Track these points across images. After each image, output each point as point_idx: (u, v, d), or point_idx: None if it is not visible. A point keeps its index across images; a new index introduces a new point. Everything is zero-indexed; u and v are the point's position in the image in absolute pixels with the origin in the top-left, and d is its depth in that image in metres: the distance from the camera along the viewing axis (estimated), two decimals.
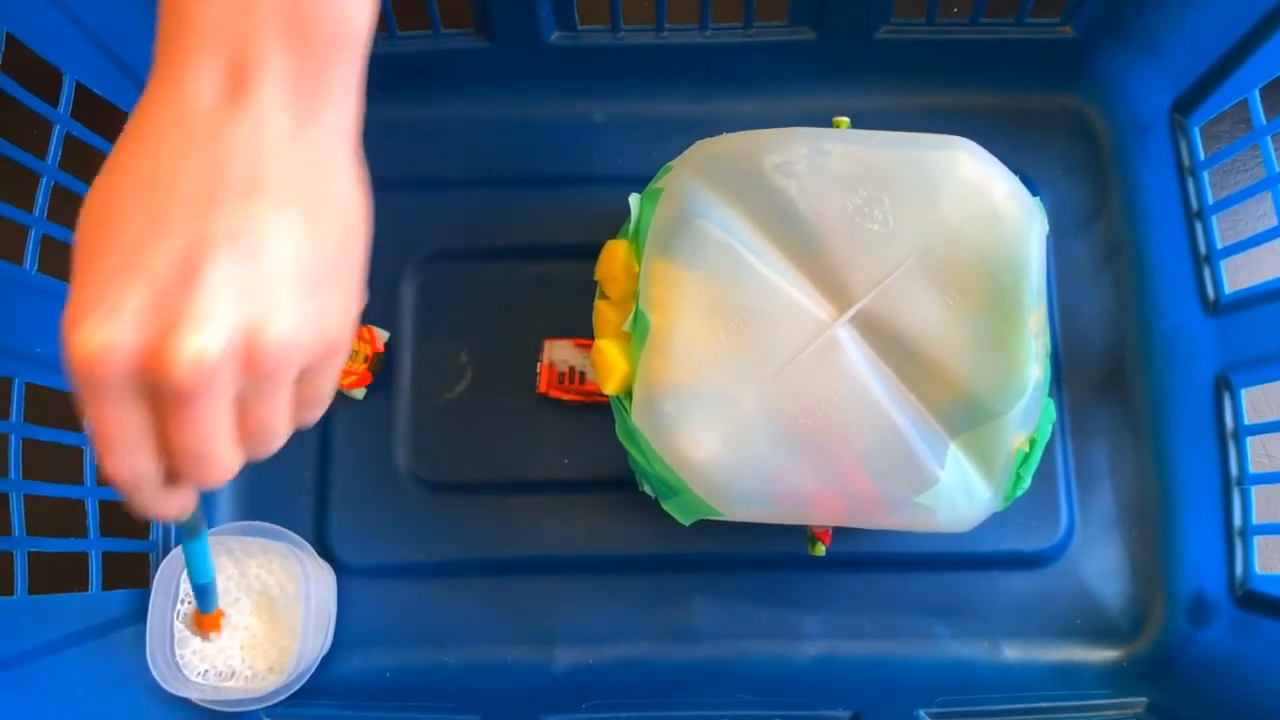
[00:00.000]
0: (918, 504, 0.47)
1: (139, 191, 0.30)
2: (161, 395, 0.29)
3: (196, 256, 0.29)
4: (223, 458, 0.31)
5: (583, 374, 0.60)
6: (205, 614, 0.51)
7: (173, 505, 0.33)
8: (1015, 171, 0.50)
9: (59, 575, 0.51)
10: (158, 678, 0.52)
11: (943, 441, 0.47)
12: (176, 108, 0.31)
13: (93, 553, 0.51)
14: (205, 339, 0.28)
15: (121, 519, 0.54)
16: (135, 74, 0.57)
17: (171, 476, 0.32)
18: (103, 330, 0.28)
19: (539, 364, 0.60)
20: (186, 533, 0.42)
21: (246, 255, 0.29)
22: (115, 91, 0.54)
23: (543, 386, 0.60)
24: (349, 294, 0.33)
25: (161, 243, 0.29)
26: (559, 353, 0.60)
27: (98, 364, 0.28)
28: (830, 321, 0.47)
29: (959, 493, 0.47)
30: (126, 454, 0.31)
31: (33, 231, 0.49)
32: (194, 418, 0.30)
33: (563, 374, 0.60)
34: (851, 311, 0.47)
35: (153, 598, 0.53)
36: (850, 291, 0.47)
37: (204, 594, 0.49)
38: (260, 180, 0.30)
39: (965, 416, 0.47)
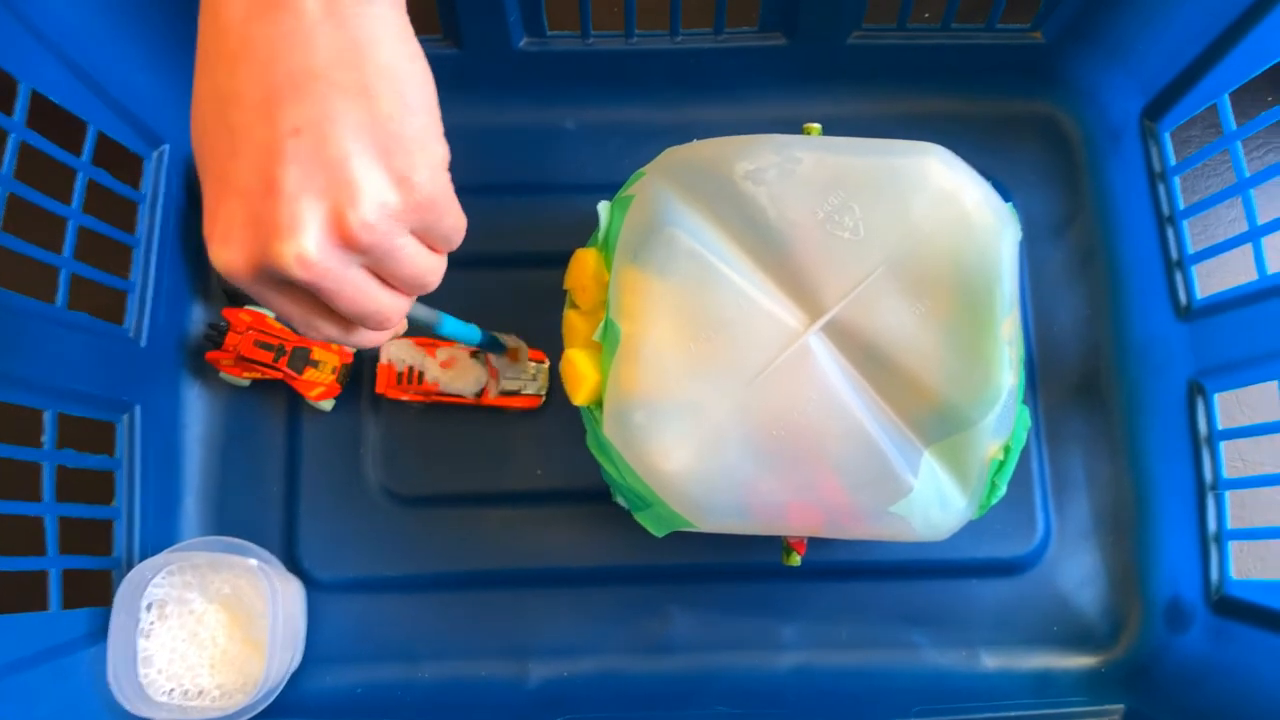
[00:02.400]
0: (892, 514, 0.46)
1: (214, 111, 0.33)
2: (297, 284, 0.33)
3: (270, 165, 0.31)
4: (384, 310, 0.35)
5: (421, 373, 0.59)
6: (505, 351, 0.57)
7: (371, 339, 0.38)
8: (987, 178, 0.49)
9: (17, 594, 0.50)
10: (120, 699, 0.51)
11: (916, 450, 0.47)
12: (220, 25, 0.32)
13: (52, 571, 0.50)
14: (300, 242, 0.31)
15: (82, 536, 0.53)
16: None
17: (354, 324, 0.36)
18: (224, 251, 0.32)
19: (378, 364, 0.59)
20: (432, 330, 0.45)
21: (311, 149, 0.31)
22: (74, 101, 0.53)
23: (380, 387, 0.59)
24: (424, 149, 0.33)
25: (241, 159, 0.32)
26: (397, 351, 0.59)
27: (231, 277, 0.33)
28: (802, 330, 0.46)
29: (933, 502, 0.47)
30: (305, 326, 0.36)
31: None
32: (334, 297, 0.33)
33: (401, 373, 0.59)
34: (823, 320, 0.46)
35: (114, 616, 0.52)
36: (822, 300, 0.47)
37: (491, 345, 0.54)
38: (304, 71, 0.31)
39: (939, 425, 0.47)
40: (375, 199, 0.32)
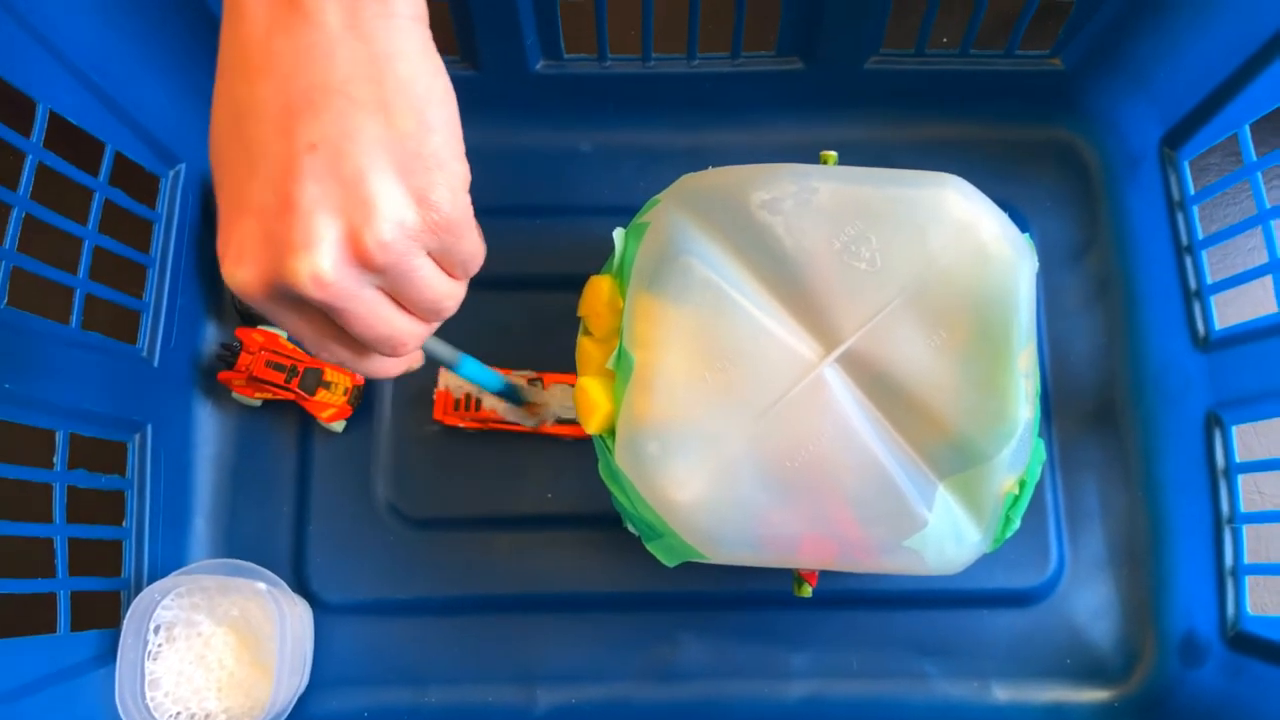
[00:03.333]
0: (906, 548, 0.46)
1: (231, 125, 0.32)
2: (313, 304, 0.32)
3: (286, 183, 0.31)
4: (398, 334, 0.35)
5: (479, 400, 0.58)
6: (524, 404, 0.57)
7: (383, 368, 0.37)
8: (1004, 204, 0.49)
9: (24, 617, 0.50)
10: None
11: (931, 484, 0.46)
12: (241, 37, 0.32)
13: (61, 593, 0.50)
14: (315, 261, 0.31)
15: (94, 557, 0.53)
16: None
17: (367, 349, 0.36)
18: (238, 270, 0.32)
19: (435, 390, 0.59)
20: (451, 366, 0.45)
21: (329, 167, 0.31)
22: (91, 121, 0.53)
23: (437, 413, 0.59)
24: (443, 168, 0.33)
25: (257, 176, 0.31)
26: (454, 378, 0.58)
27: (245, 296, 0.32)
28: (817, 361, 0.46)
29: (948, 536, 0.46)
30: (317, 347, 0.35)
31: (2, 265, 0.48)
32: (348, 318, 0.33)
33: (458, 400, 0.59)
34: (839, 351, 0.46)
35: (123, 638, 0.52)
36: (837, 330, 0.46)
37: (510, 395, 0.54)
38: (322, 86, 0.31)
39: (954, 458, 0.46)
40: (393, 218, 0.31)
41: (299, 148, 0.31)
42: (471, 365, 0.47)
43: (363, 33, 0.31)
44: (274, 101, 0.31)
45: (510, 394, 0.54)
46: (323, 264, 0.31)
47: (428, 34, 0.33)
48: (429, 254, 0.34)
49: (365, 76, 0.31)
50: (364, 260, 0.31)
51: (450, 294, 0.35)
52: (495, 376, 0.50)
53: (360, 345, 0.36)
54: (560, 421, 0.59)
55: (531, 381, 0.59)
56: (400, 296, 0.34)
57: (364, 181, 0.31)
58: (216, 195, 0.33)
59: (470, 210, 0.34)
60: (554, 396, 0.58)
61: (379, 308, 0.34)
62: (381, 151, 0.31)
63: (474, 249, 0.35)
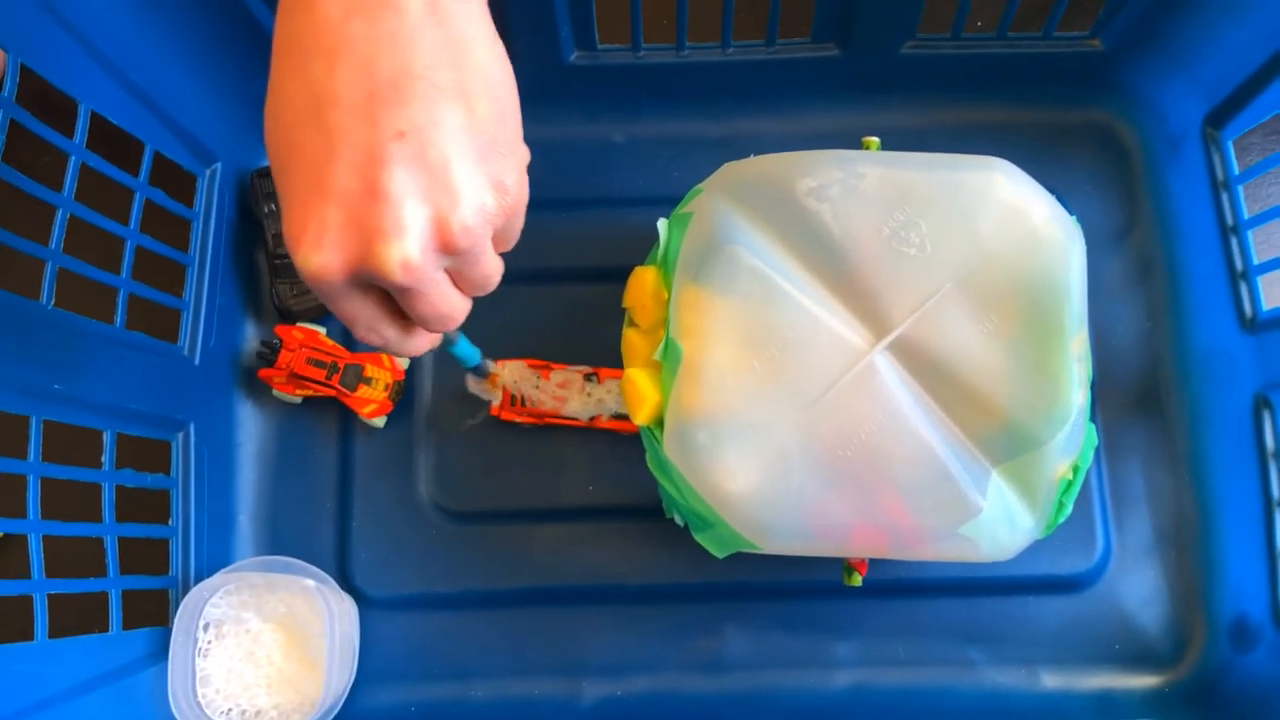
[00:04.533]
0: (960, 536, 0.46)
1: (307, 111, 0.32)
2: (387, 287, 0.33)
3: (373, 169, 0.31)
4: (455, 311, 0.36)
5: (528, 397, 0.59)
6: (482, 379, 0.58)
7: (421, 346, 0.38)
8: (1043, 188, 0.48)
9: (78, 615, 0.50)
10: (180, 718, 0.51)
11: (984, 471, 0.46)
12: (314, 22, 0.32)
13: (113, 592, 0.50)
14: (406, 247, 0.31)
15: (141, 556, 0.53)
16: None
17: (414, 328, 0.37)
18: (317, 255, 0.32)
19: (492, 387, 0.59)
20: (446, 344, 0.47)
21: (416, 153, 0.31)
22: (131, 121, 0.53)
23: (494, 409, 0.59)
24: (514, 153, 0.34)
25: (340, 161, 0.31)
26: (509, 374, 0.59)
27: (321, 281, 0.33)
28: (867, 349, 0.46)
29: (1001, 523, 0.46)
30: (367, 329, 0.36)
31: (49, 266, 0.48)
32: (418, 299, 0.34)
33: (515, 396, 0.59)
34: (890, 338, 0.46)
35: (174, 636, 0.52)
36: (887, 317, 0.46)
37: (478, 371, 0.56)
38: (404, 72, 0.31)
39: (1007, 445, 0.46)
40: (475, 203, 0.32)
41: (386, 134, 0.31)
42: (464, 342, 0.50)
43: (443, 18, 0.32)
44: (357, 87, 0.31)
45: (478, 371, 0.56)
46: (412, 250, 0.31)
47: (491, 20, 0.34)
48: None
49: (446, 63, 0.32)
50: (448, 245, 0.32)
51: (499, 268, 0.37)
52: (476, 352, 0.52)
53: (409, 325, 0.37)
54: (615, 417, 0.58)
55: (588, 377, 0.59)
56: (461, 276, 0.35)
57: (449, 169, 0.31)
58: (280, 179, 0.33)
59: (528, 191, 0.36)
60: (609, 392, 0.58)
61: (445, 287, 0.35)
62: (464, 139, 0.32)
63: (521, 226, 0.37)
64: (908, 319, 0.46)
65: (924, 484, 0.45)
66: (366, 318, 0.35)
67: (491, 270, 0.36)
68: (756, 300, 0.46)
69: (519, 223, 0.36)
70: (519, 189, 0.34)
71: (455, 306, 0.36)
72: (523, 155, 0.35)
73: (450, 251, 0.33)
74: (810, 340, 0.46)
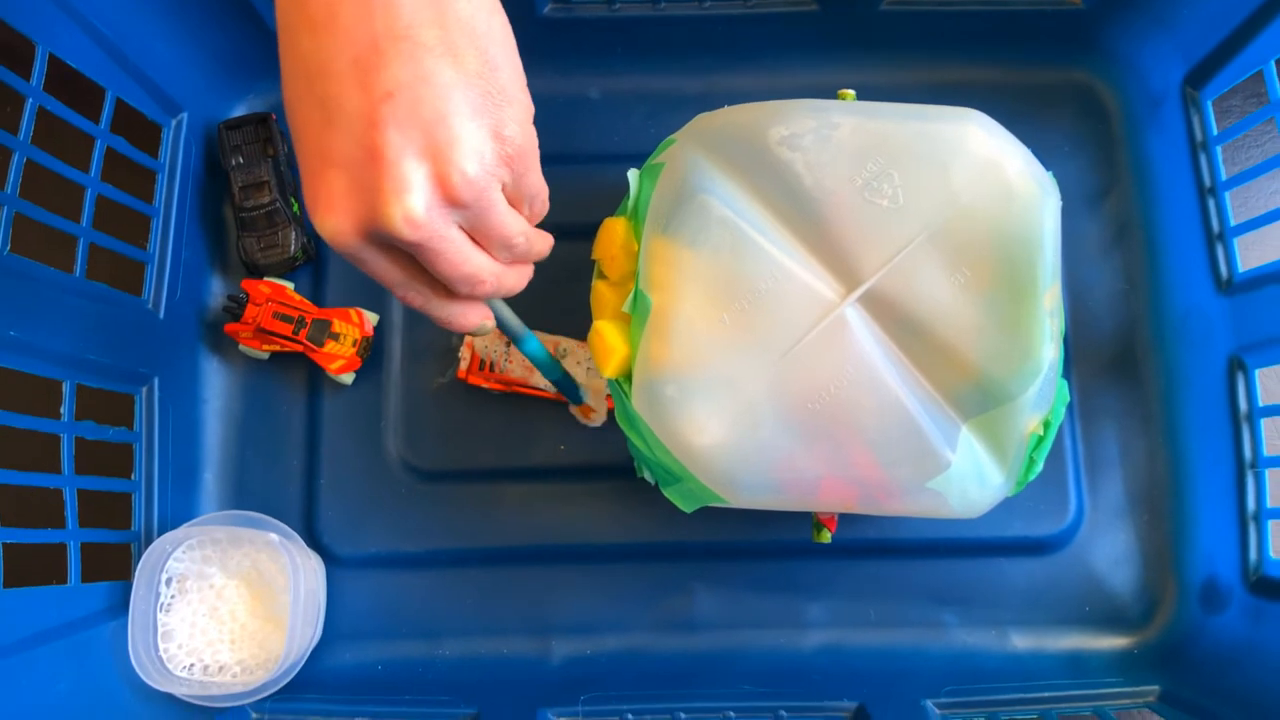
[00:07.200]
0: (929, 490, 0.45)
1: (303, 84, 0.33)
2: (402, 247, 0.34)
3: (369, 133, 0.32)
4: (479, 270, 0.36)
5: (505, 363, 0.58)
6: (579, 405, 0.57)
7: (470, 318, 0.39)
8: None
9: (35, 567, 0.49)
10: (140, 673, 0.50)
11: (954, 425, 0.45)
12: None
13: (71, 544, 0.49)
14: (407, 203, 0.32)
15: (104, 510, 0.52)
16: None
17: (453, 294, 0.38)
18: (330, 220, 0.33)
19: (461, 348, 0.58)
20: (514, 340, 0.46)
21: (407, 112, 0.32)
22: (92, 67, 0.52)
23: (462, 371, 0.58)
24: (512, 102, 0.34)
25: (338, 129, 0.33)
26: (481, 340, 0.58)
27: (338, 244, 0.34)
28: (838, 301, 0.45)
29: (971, 478, 0.46)
30: (403, 291, 0.37)
31: (4, 210, 0.46)
32: (435, 257, 0.35)
33: (485, 361, 0.58)
34: (860, 290, 0.45)
35: (134, 590, 0.51)
36: (859, 269, 0.45)
37: (565, 388, 0.53)
38: (388, 33, 0.32)
39: (978, 399, 0.45)
40: (474, 154, 0.33)
41: (376, 97, 0.32)
42: (533, 344, 0.47)
43: None
44: (343, 55, 0.32)
45: (566, 386, 0.54)
46: (415, 206, 0.32)
47: None
48: (503, 189, 0.35)
49: (429, 20, 0.32)
50: (451, 198, 0.33)
51: (522, 231, 0.37)
52: (555, 365, 0.50)
53: (442, 286, 0.37)
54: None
55: (560, 350, 0.58)
56: (479, 234, 0.36)
57: (444, 123, 0.32)
58: (296, 150, 0.34)
59: (536, 140, 0.36)
60: (580, 364, 0.58)
61: (463, 246, 0.35)
62: (454, 93, 0.32)
63: (540, 182, 0.38)
64: (879, 271, 0.45)
65: (893, 437, 0.45)
66: (395, 278, 0.36)
67: (510, 227, 0.36)
68: (726, 252, 0.45)
69: (534, 179, 0.37)
70: (523, 138, 0.35)
71: (480, 267, 0.36)
72: (522, 103, 0.35)
73: (456, 204, 0.33)
74: (780, 292, 0.45)
